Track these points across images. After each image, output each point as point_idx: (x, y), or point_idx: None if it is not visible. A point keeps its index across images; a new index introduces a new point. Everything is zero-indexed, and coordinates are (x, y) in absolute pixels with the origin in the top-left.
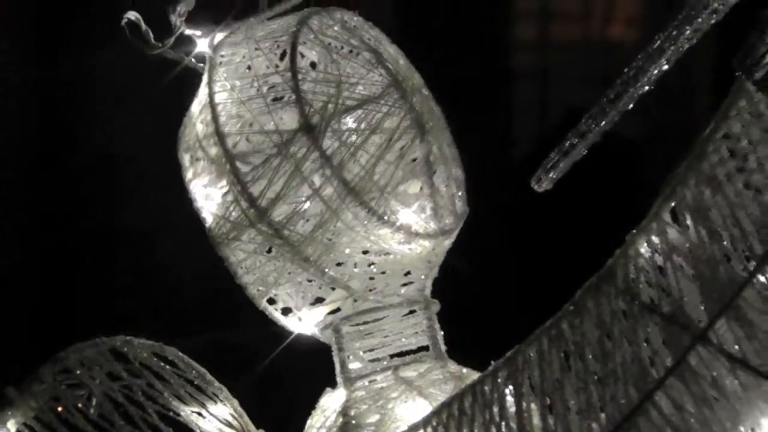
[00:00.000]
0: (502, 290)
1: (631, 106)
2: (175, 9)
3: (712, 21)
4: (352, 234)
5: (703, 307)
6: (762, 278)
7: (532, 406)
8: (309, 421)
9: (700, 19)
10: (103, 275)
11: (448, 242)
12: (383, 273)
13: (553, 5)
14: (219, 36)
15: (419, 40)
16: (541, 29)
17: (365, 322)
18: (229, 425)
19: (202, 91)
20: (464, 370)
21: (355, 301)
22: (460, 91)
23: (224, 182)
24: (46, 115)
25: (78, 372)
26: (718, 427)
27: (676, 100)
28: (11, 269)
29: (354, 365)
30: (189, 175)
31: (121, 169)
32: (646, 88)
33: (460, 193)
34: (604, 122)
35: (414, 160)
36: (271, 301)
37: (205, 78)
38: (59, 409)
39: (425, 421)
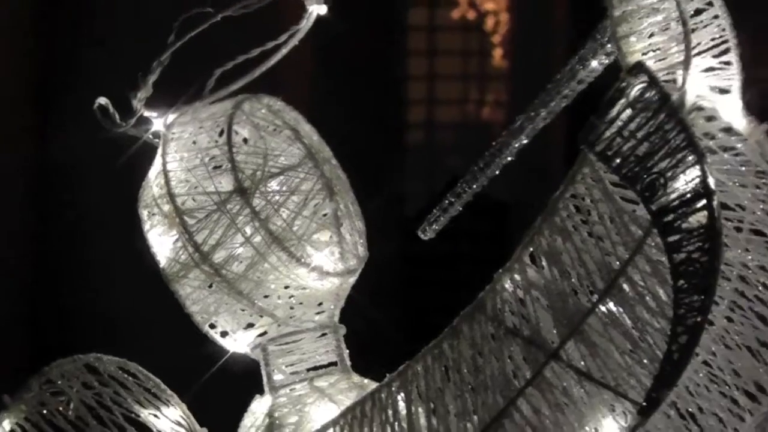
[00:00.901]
0: (395, 317)
1: (497, 172)
2: (136, 95)
3: (563, 105)
4: (276, 273)
5: (555, 331)
6: (602, 308)
7: (419, 409)
8: (242, 422)
9: (553, 103)
10: (77, 307)
11: (352, 279)
12: (301, 304)
13: (438, 93)
14: (171, 117)
15: (330, 119)
16: (428, 112)
17: (287, 343)
18: (179, 424)
19: (157, 161)
20: (365, 380)
21: (279, 326)
22: (362, 161)
23: (175, 232)
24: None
25: (59, 382)
26: (568, 427)
27: (534, 168)
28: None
29: (278, 377)
30: (147, 226)
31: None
32: (509, 158)
33: (361, 241)
34: (475, 185)
35: (325, 215)
36: (212, 326)
37: (159, 150)
38: (44, 411)
39: (334, 422)
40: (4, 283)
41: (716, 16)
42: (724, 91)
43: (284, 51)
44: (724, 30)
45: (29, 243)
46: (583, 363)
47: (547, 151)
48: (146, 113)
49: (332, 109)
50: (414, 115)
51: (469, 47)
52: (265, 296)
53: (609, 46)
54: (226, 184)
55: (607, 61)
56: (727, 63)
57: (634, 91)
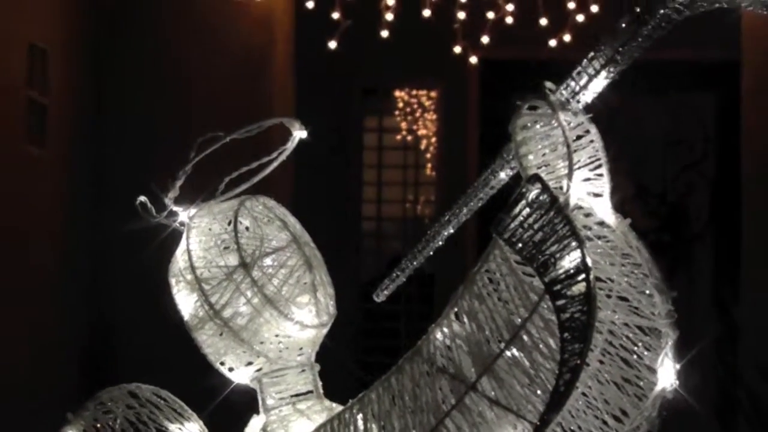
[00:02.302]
0: (355, 358)
1: (431, 253)
2: (167, 195)
3: (479, 205)
4: (269, 325)
5: (473, 370)
6: (508, 353)
7: (373, 426)
8: None
9: (471, 203)
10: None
11: (325, 330)
12: (287, 348)
13: (385, 195)
14: (192, 211)
15: (308, 213)
16: (378, 209)
17: (276, 376)
18: None
19: (183, 242)
20: (333, 404)
21: (271, 364)
22: (331, 245)
23: (195, 295)
24: None
25: (109, 404)
26: None
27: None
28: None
29: (269, 401)
30: (174, 290)
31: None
32: (439, 243)
33: (332, 302)
34: (415, 262)
35: (305, 283)
36: (222, 363)
37: (184, 235)
38: (98, 426)
39: None
40: (73, 333)
41: (592, 141)
42: (597, 195)
43: (275, 164)
44: (597, 150)
45: (91, 301)
46: (493, 393)
47: (465, 236)
48: (174, 208)
49: (310, 205)
50: (367, 211)
51: (408, 162)
52: (261, 342)
53: (513, 162)
54: (232, 260)
55: (511, 173)
56: (600, 174)
57: (532, 195)
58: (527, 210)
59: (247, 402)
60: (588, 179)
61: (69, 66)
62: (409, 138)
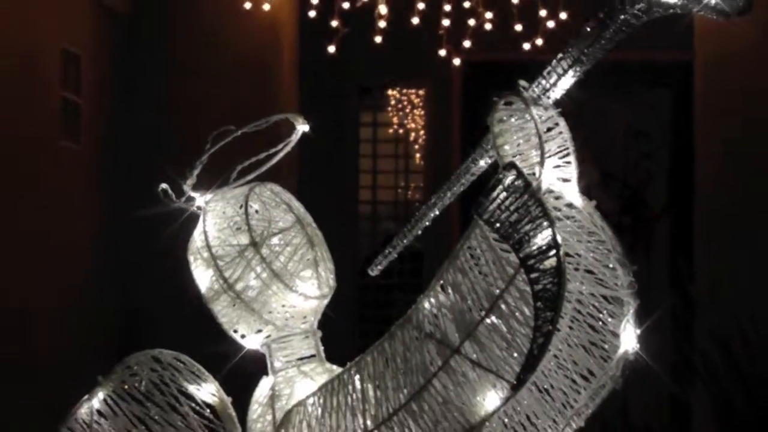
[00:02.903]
0: (352, 325)
1: (419, 232)
2: (185, 182)
3: (461, 189)
4: (276, 297)
5: (457, 335)
6: (488, 320)
7: (369, 386)
8: (254, 394)
9: (455, 188)
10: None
11: (326, 301)
12: (292, 317)
13: (379, 181)
14: (208, 196)
15: (311, 198)
16: (373, 194)
17: (283, 342)
18: (214, 395)
19: (200, 224)
20: (334, 366)
21: (278, 331)
22: (331, 225)
23: (211, 271)
24: None
25: (135, 367)
26: (466, 397)
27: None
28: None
29: (277, 364)
30: (193, 267)
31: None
32: (427, 223)
33: (332, 276)
34: (405, 241)
35: (308, 259)
36: (235, 331)
37: (201, 217)
38: (125, 387)
39: (314, 393)
40: (106, 303)
41: (561, 132)
42: (566, 180)
43: (281, 155)
44: (565, 141)
45: (118, 277)
46: (475, 356)
47: (450, 215)
48: (192, 193)
49: (312, 190)
50: (363, 195)
51: (399, 152)
52: (269, 312)
53: (491, 151)
54: (244, 239)
55: (490, 161)
56: (568, 162)
57: (508, 180)
58: (504, 194)
59: (257, 365)
60: (558, 166)
61: (98, 69)
62: (401, 131)
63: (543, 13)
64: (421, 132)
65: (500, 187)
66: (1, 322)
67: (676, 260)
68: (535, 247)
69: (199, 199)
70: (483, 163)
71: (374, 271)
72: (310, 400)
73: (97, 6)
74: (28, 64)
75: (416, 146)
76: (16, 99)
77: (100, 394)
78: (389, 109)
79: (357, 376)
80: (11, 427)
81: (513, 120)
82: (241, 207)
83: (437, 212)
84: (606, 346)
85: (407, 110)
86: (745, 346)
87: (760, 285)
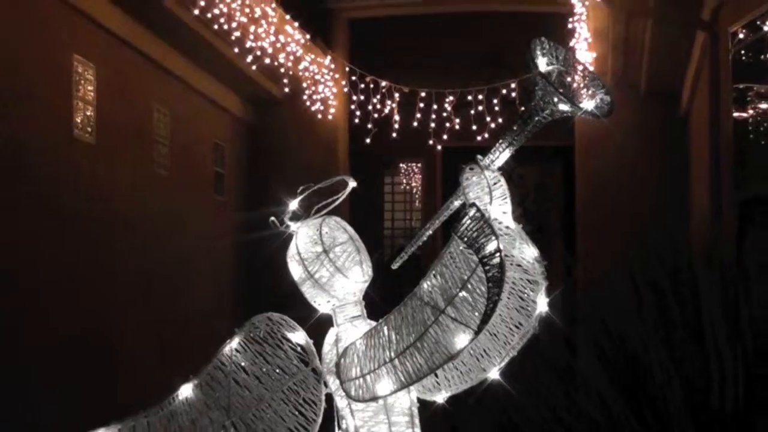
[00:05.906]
0: (381, 299)
1: (419, 245)
2: (286, 217)
3: (444, 219)
4: (338, 282)
5: (443, 303)
6: (460, 294)
7: (392, 333)
8: (325, 339)
9: (441, 218)
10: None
11: (366, 284)
12: (347, 293)
13: (395, 216)
14: (298, 224)
15: (355, 224)
16: (391, 223)
17: (341, 307)
18: (303, 339)
19: (294, 240)
20: (372, 322)
21: (339, 301)
22: (368, 240)
23: (300, 267)
24: None
25: (256, 323)
26: (449, 339)
27: (431, 242)
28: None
29: (339, 320)
30: (289, 265)
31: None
32: (424, 239)
33: (370, 269)
34: (411, 250)
35: (356, 259)
36: (314, 301)
37: (294, 237)
38: (251, 335)
39: (360, 337)
40: (238, 288)
41: (502, 185)
42: (505, 212)
43: (340, 200)
44: (505, 190)
45: (242, 276)
46: (453, 315)
47: (436, 234)
48: (289, 223)
49: (357, 221)
50: (386, 224)
51: (406, 199)
52: (334, 290)
53: (461, 197)
54: (318, 248)
55: (459, 203)
56: (506, 202)
57: (471, 213)
58: (469, 221)
59: (327, 322)
60: (500, 204)
61: (234, 153)
62: (407, 187)
63: (488, 119)
64: (419, 188)
65: (467, 217)
66: (187, 313)
67: (566, 256)
68: (487, 251)
69: (293, 226)
70: (456, 203)
71: (395, 266)
72: (358, 342)
73: (234, 117)
74: (196, 151)
75: (416, 195)
76: (190, 172)
77: (236, 339)
78: (401, 174)
79: (385, 327)
80: (185, 357)
81: (474, 178)
82: (317, 230)
83: (430, 232)
84: (528, 308)
85: (411, 175)
86: (604, 299)
87: (609, 264)
